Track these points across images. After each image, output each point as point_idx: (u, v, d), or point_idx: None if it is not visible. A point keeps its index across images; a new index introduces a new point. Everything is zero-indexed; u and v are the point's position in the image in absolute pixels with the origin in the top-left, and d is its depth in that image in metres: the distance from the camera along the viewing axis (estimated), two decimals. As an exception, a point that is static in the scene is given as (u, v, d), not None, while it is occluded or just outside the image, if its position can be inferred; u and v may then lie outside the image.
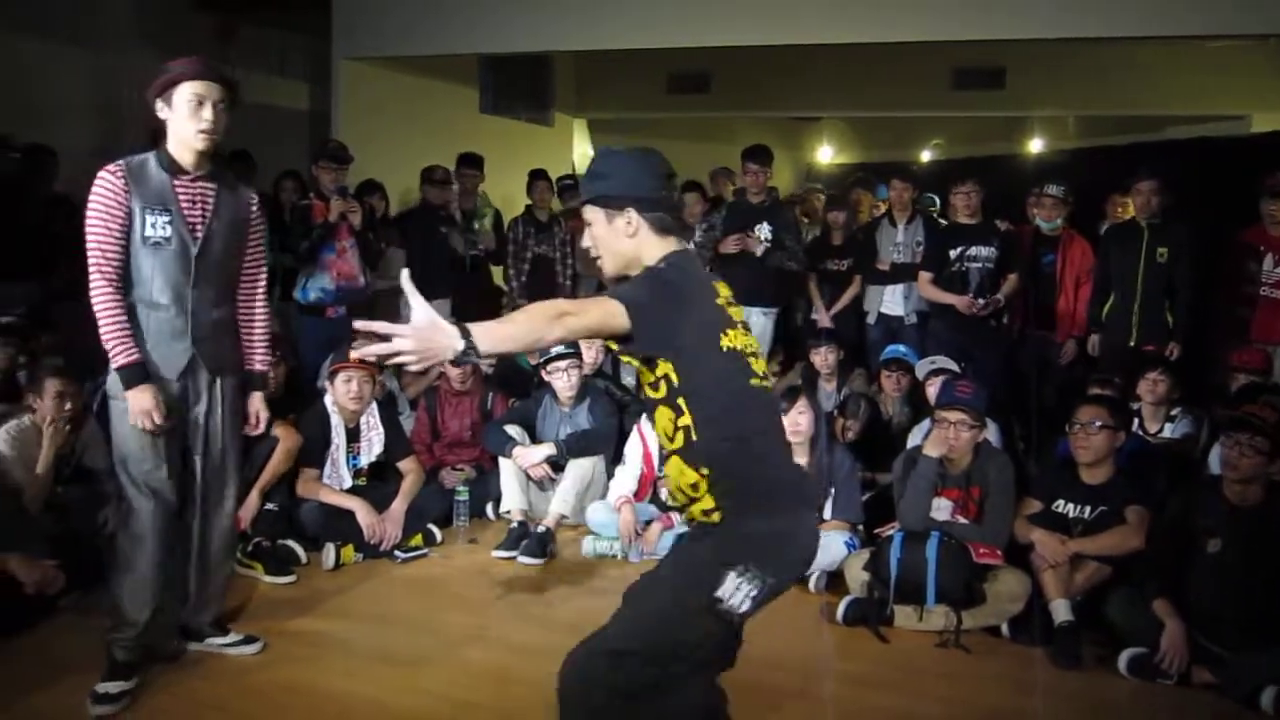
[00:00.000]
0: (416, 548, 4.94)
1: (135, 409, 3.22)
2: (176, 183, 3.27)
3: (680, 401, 2.22)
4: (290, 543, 4.74)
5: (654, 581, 2.33)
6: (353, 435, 5.06)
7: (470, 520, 5.38)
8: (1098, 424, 4.25)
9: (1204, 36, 7.27)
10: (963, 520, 4.30)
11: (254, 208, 3.53)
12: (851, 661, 3.83)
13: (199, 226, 3.30)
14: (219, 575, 3.66)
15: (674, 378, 2.20)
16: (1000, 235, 6.15)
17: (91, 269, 3.20)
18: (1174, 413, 5.16)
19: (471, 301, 7.06)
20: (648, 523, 4.97)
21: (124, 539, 3.36)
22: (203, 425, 3.43)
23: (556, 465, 5.33)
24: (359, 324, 2.00)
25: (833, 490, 4.72)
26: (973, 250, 6.06)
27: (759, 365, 2.32)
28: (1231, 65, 9.37)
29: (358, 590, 4.50)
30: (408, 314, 1.94)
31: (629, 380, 6.16)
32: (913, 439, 5.08)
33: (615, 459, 5.45)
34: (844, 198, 7.83)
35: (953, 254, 6.09)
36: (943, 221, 6.92)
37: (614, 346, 2.22)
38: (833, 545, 4.55)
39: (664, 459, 2.35)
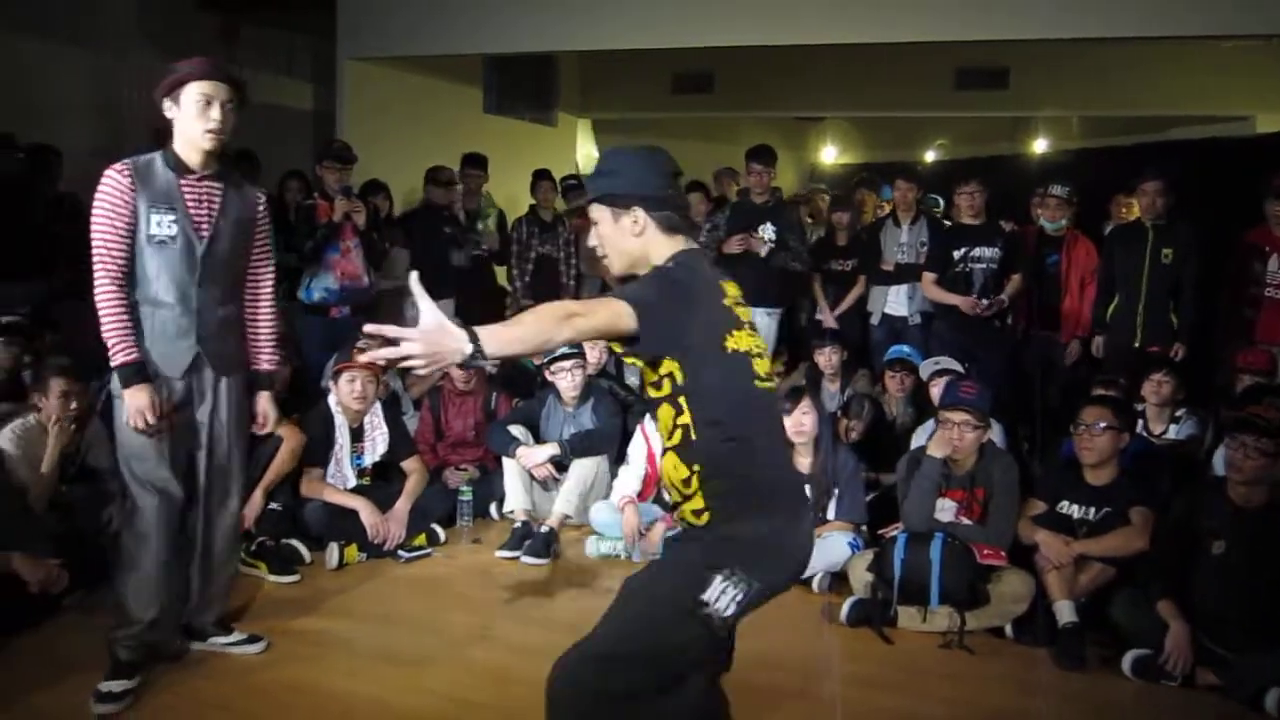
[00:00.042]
0: (420, 547, 4.95)
1: (130, 407, 3.23)
2: (183, 182, 3.27)
3: (681, 400, 2.20)
4: (294, 542, 4.75)
5: (641, 584, 2.30)
6: (357, 435, 5.06)
7: (474, 520, 5.37)
8: (1102, 425, 4.24)
9: (1209, 37, 7.26)
10: (967, 521, 4.29)
11: (260, 207, 3.53)
12: (855, 662, 3.82)
13: (205, 225, 3.31)
14: (223, 574, 3.67)
15: (678, 377, 2.19)
16: (1004, 236, 6.14)
17: (96, 267, 3.20)
18: (1179, 414, 5.16)
19: (475, 301, 7.07)
20: (651, 523, 4.96)
21: (128, 537, 3.37)
22: (207, 424, 3.44)
23: (560, 465, 5.34)
24: (368, 327, 1.99)
25: (836, 491, 4.72)
26: (977, 251, 6.05)
27: (763, 367, 2.30)
28: (1236, 66, 9.35)
29: (361, 590, 4.50)
30: (412, 315, 1.94)
31: (633, 380, 6.16)
32: (917, 440, 5.07)
33: (619, 459, 5.44)
34: (848, 198, 7.83)
35: (957, 254, 6.08)
36: (947, 222, 6.92)
37: (617, 349, 2.21)
38: (836, 546, 4.56)
39: (662, 455, 2.33)
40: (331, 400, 5.06)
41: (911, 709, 3.53)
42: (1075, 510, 4.27)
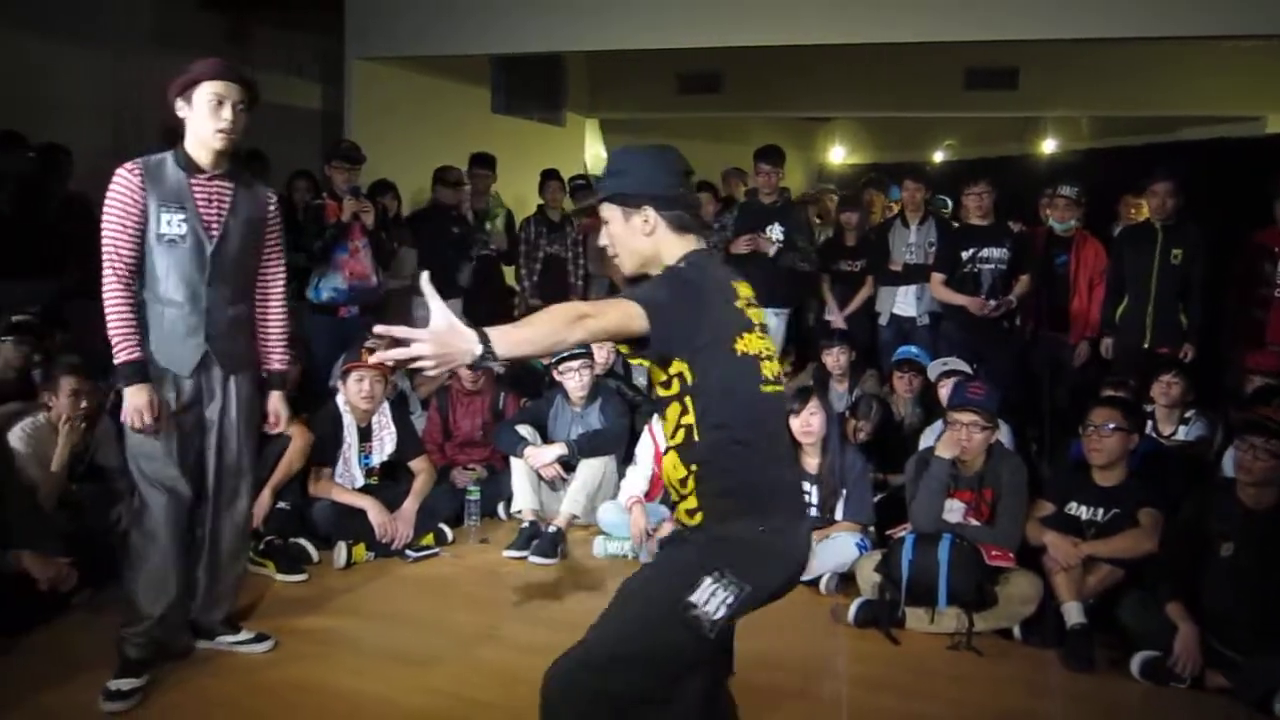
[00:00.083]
0: (428, 547, 4.95)
1: (129, 406, 3.24)
2: (193, 181, 3.28)
3: (688, 400, 2.19)
4: (302, 541, 4.75)
5: (635, 587, 2.28)
6: (365, 434, 5.07)
7: (481, 520, 5.39)
8: (1111, 426, 4.23)
9: (1219, 37, 7.22)
10: (975, 522, 4.29)
11: (271, 207, 3.53)
12: (862, 663, 3.82)
13: (215, 225, 3.31)
14: (231, 573, 3.67)
15: (687, 377, 2.17)
16: (1013, 236, 6.13)
17: (104, 266, 3.22)
18: (1188, 415, 5.14)
19: (483, 301, 7.08)
20: (659, 523, 4.96)
21: (137, 535, 3.38)
22: (216, 423, 3.44)
23: (568, 465, 5.34)
24: (378, 328, 1.98)
25: (844, 491, 4.72)
26: (985, 251, 6.04)
27: (770, 369, 2.28)
28: (1246, 66, 9.31)
29: (369, 589, 4.51)
30: (420, 314, 1.93)
31: (640, 380, 6.16)
32: (925, 440, 5.06)
33: (626, 459, 5.45)
34: (856, 198, 7.81)
35: (965, 255, 6.07)
36: (954, 224, 6.90)
37: (624, 350, 2.20)
38: (844, 547, 4.56)
39: (664, 454, 2.31)
40: (339, 400, 5.07)
41: (919, 710, 3.53)
42: (1084, 511, 4.26)
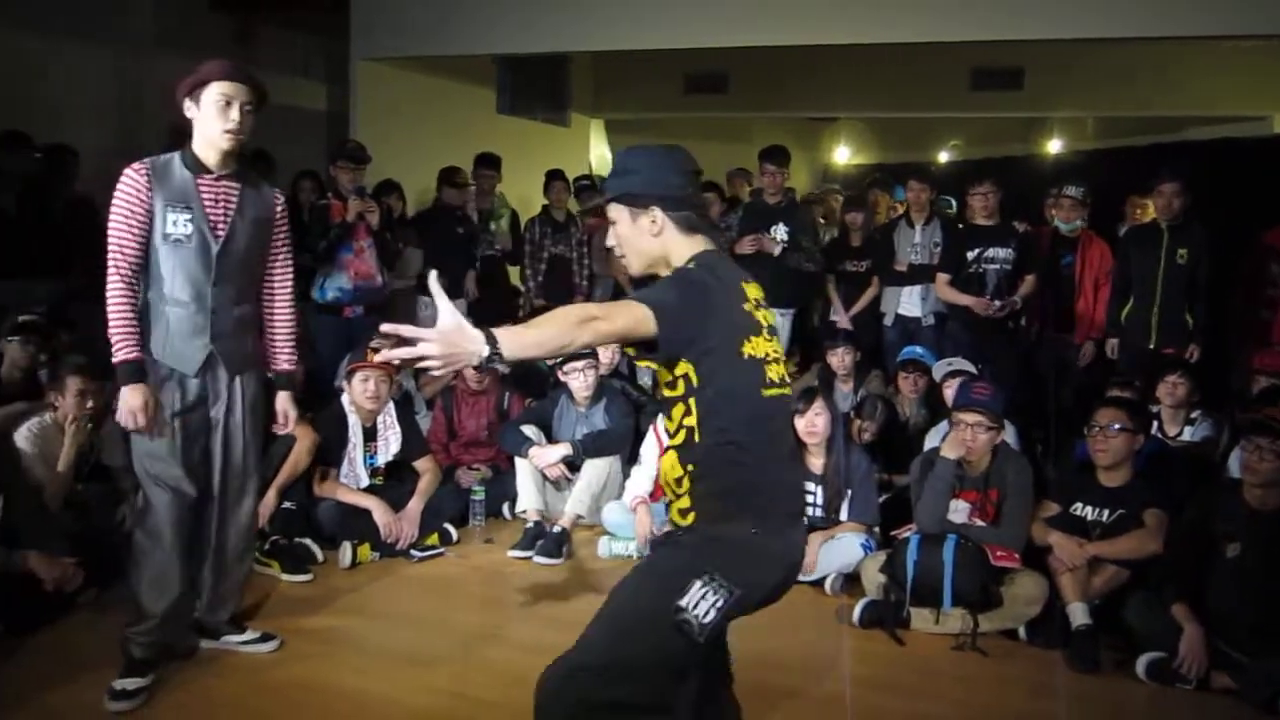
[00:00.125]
0: (432, 547, 4.95)
1: (123, 406, 3.25)
2: (200, 181, 3.29)
3: (691, 401, 2.18)
4: (307, 541, 4.76)
5: (625, 591, 2.25)
6: (369, 434, 5.07)
7: (486, 520, 5.39)
8: (1116, 427, 4.22)
9: (1225, 36, 7.22)
10: (980, 523, 4.28)
11: (278, 208, 3.54)
12: (867, 664, 3.82)
13: (221, 225, 3.32)
14: (236, 573, 3.68)
15: (692, 378, 2.16)
16: (1018, 236, 6.12)
17: (109, 265, 3.23)
18: (1194, 416, 5.12)
19: (488, 301, 7.09)
20: (664, 524, 4.96)
21: (141, 534, 3.39)
22: (221, 423, 3.45)
23: (573, 465, 5.34)
24: (385, 327, 1.97)
25: (849, 492, 4.71)
26: (990, 251, 6.03)
27: (775, 372, 2.27)
28: (1252, 66, 9.31)
29: (373, 589, 4.51)
30: (426, 315, 1.93)
31: (645, 381, 6.16)
32: (930, 440, 5.06)
33: (631, 459, 5.44)
34: (861, 198, 7.81)
35: (970, 255, 6.06)
36: (959, 224, 6.89)
37: (631, 352, 2.19)
38: (849, 547, 4.55)
39: (663, 453, 2.30)
40: (345, 400, 5.08)
41: (924, 711, 3.52)
42: (1089, 512, 4.26)
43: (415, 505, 4.97)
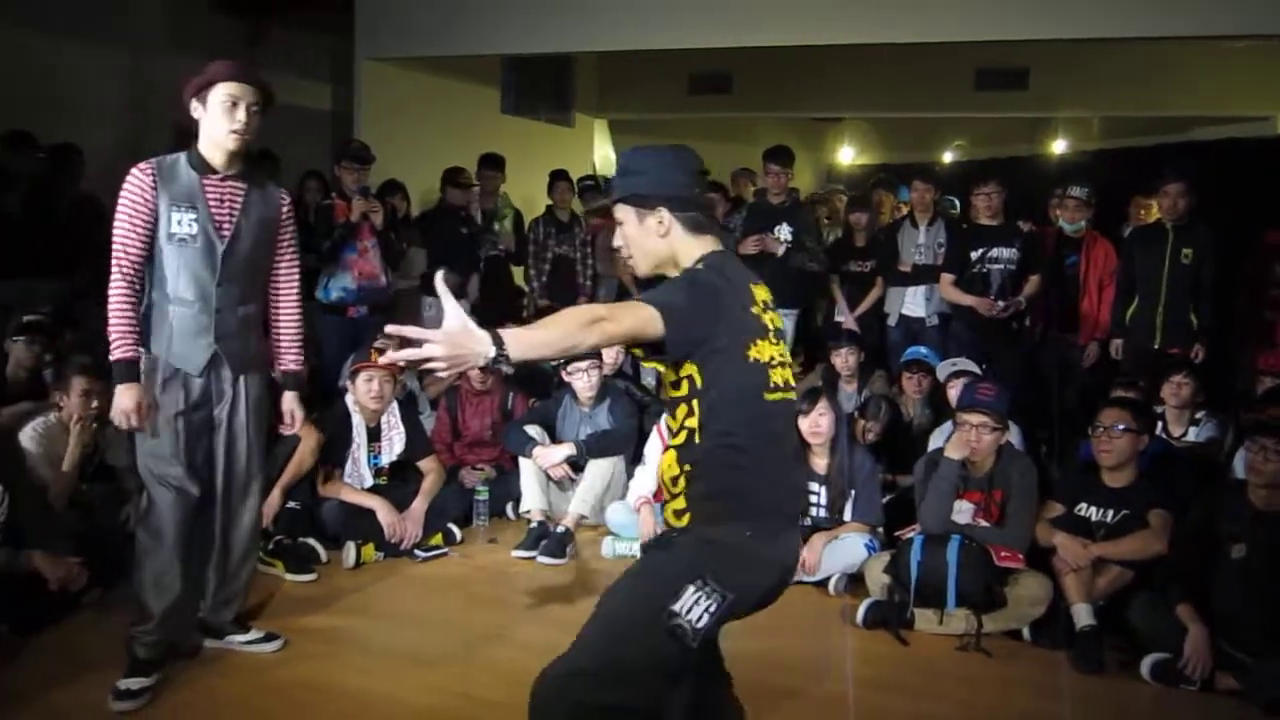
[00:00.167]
0: (436, 547, 4.96)
1: (116, 405, 3.26)
2: (205, 181, 3.29)
3: (694, 403, 2.17)
4: (311, 541, 4.76)
5: (618, 595, 2.24)
6: (373, 434, 5.07)
7: (490, 520, 5.40)
8: (1121, 427, 4.22)
9: (1230, 36, 7.21)
10: (984, 523, 4.28)
11: (284, 208, 3.54)
12: (871, 664, 3.81)
13: (226, 225, 3.32)
14: (241, 573, 3.68)
15: (697, 380, 2.15)
16: (1022, 237, 6.12)
17: (112, 264, 3.24)
18: (1198, 416, 5.12)
19: (492, 301, 7.09)
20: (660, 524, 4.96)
21: (144, 534, 3.39)
22: (225, 423, 3.45)
23: (576, 465, 5.35)
24: (390, 328, 1.96)
25: (853, 492, 4.71)
26: (994, 252, 6.02)
27: (780, 376, 2.25)
28: (1256, 66, 9.29)
29: (377, 589, 4.52)
30: (430, 315, 1.92)
31: (649, 381, 6.16)
32: (934, 441, 5.05)
33: (635, 459, 5.45)
34: (865, 199, 7.81)
35: (974, 255, 6.06)
36: (964, 224, 6.89)
37: (638, 353, 2.18)
38: (853, 548, 4.55)
39: (663, 452, 2.28)
40: (349, 400, 5.08)
41: (928, 711, 3.52)
42: (1093, 513, 4.25)
43: (419, 505, 4.97)
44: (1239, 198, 6.86)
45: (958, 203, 8.02)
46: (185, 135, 3.39)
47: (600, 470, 5.28)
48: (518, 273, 7.99)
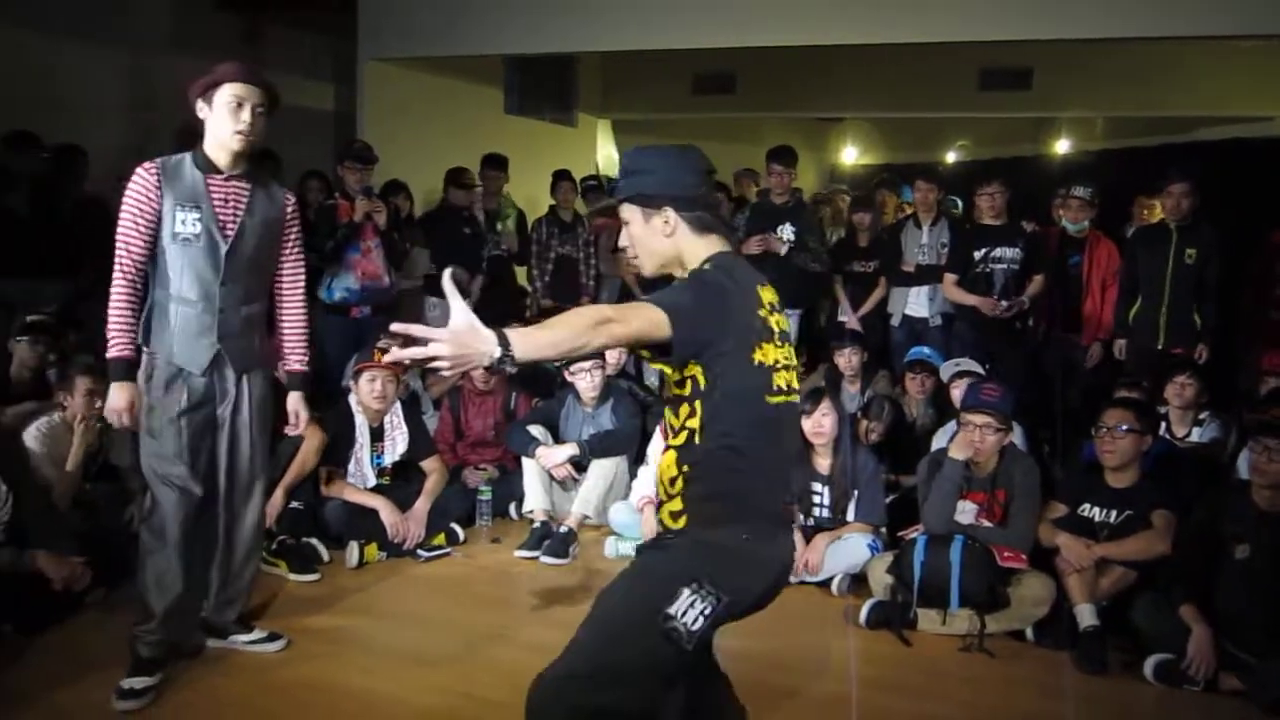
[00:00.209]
0: (439, 547, 4.96)
1: (110, 403, 3.28)
2: (210, 181, 3.30)
3: (697, 404, 2.16)
4: (314, 541, 4.76)
5: (613, 598, 2.23)
6: (376, 434, 5.08)
7: (493, 520, 5.40)
8: (1124, 428, 4.21)
9: (1234, 36, 7.19)
10: (987, 523, 4.28)
11: (289, 208, 3.54)
12: (874, 665, 3.81)
13: (230, 225, 3.33)
14: (244, 573, 3.68)
15: (700, 381, 2.14)
16: (1026, 236, 6.11)
17: (115, 263, 3.25)
18: (1202, 416, 5.11)
19: (495, 302, 7.08)
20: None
21: (147, 533, 3.40)
22: (228, 422, 3.45)
23: (579, 465, 5.35)
24: (396, 326, 1.94)
25: (856, 493, 4.71)
26: (997, 251, 6.02)
27: (784, 379, 2.24)
28: (1260, 66, 9.26)
29: (380, 588, 4.52)
30: (434, 315, 1.91)
31: (652, 381, 6.16)
32: (938, 441, 5.05)
33: (638, 459, 5.45)
34: (869, 199, 7.79)
35: (977, 255, 6.05)
36: (967, 224, 6.88)
37: (645, 355, 2.16)
38: (856, 548, 4.55)
39: (663, 452, 2.27)
40: (352, 400, 5.09)
41: (931, 712, 3.52)
42: (1096, 513, 4.25)
43: (422, 505, 4.97)
44: (1244, 197, 6.85)
45: (961, 203, 8.01)
46: (189, 135, 3.39)
47: (603, 470, 5.28)
48: (520, 273, 7.99)
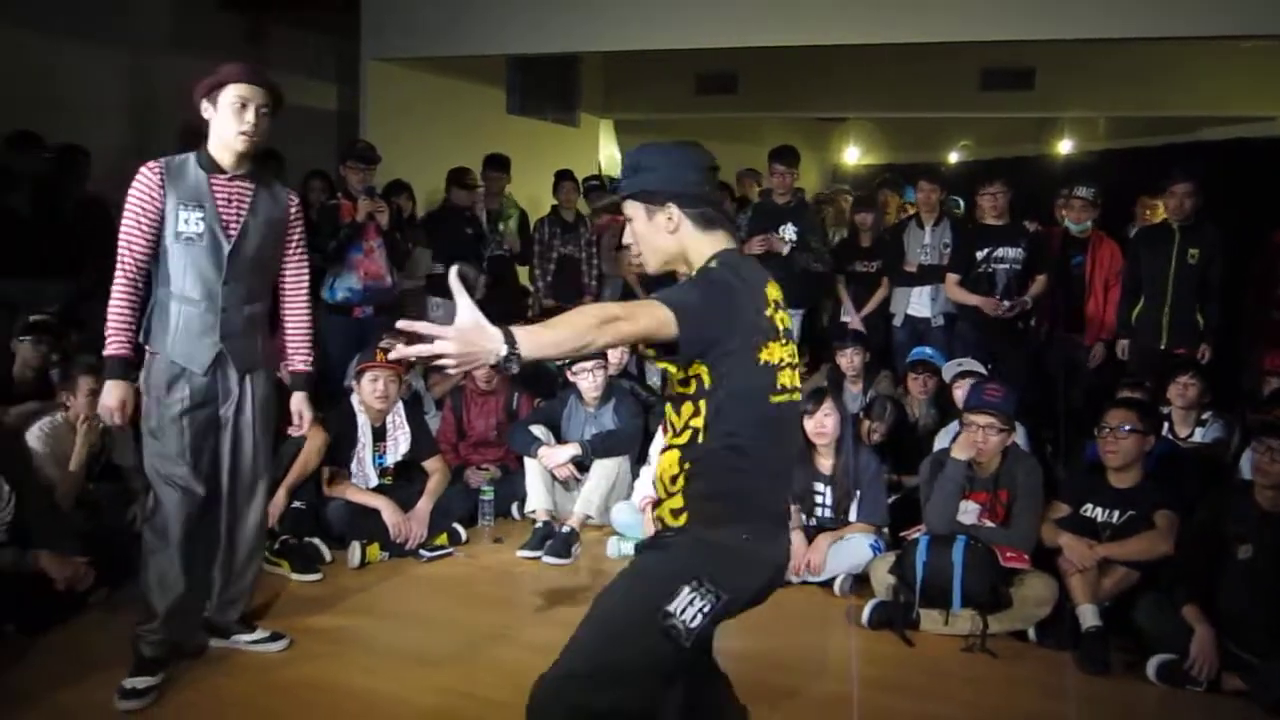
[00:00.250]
0: (441, 547, 4.96)
1: (103, 401, 3.29)
2: (214, 180, 3.31)
3: (701, 403, 2.15)
4: (316, 541, 4.77)
5: (613, 597, 2.23)
6: (379, 434, 5.08)
7: (495, 520, 5.40)
8: (1127, 428, 4.21)
9: (1236, 36, 7.18)
10: (990, 524, 4.28)
11: (293, 209, 3.55)
12: (876, 665, 3.81)
13: (233, 224, 3.33)
14: (247, 572, 3.68)
15: (705, 380, 2.14)
16: (1028, 236, 6.11)
17: (116, 261, 3.26)
18: (1204, 417, 5.10)
19: (497, 302, 7.08)
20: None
21: (149, 533, 3.40)
22: (231, 422, 3.45)
23: (581, 465, 5.35)
24: (402, 323, 1.94)
25: (858, 493, 4.71)
26: (1000, 251, 6.02)
27: (787, 378, 2.24)
28: (1263, 66, 9.25)
29: (382, 588, 4.52)
30: (437, 315, 1.90)
31: (654, 380, 6.16)
32: (940, 441, 5.05)
33: (640, 459, 5.45)
34: (871, 199, 7.79)
35: (979, 255, 6.05)
36: (969, 224, 6.87)
37: (650, 353, 2.16)
38: (858, 548, 4.55)
39: (663, 450, 2.26)
40: (354, 399, 5.09)
41: (933, 712, 3.52)
42: (1099, 513, 4.24)
43: (424, 505, 4.97)
44: (1247, 198, 6.84)
45: (963, 203, 8.00)
46: (192, 135, 3.40)
47: (605, 470, 5.28)
48: (523, 273, 7.99)
